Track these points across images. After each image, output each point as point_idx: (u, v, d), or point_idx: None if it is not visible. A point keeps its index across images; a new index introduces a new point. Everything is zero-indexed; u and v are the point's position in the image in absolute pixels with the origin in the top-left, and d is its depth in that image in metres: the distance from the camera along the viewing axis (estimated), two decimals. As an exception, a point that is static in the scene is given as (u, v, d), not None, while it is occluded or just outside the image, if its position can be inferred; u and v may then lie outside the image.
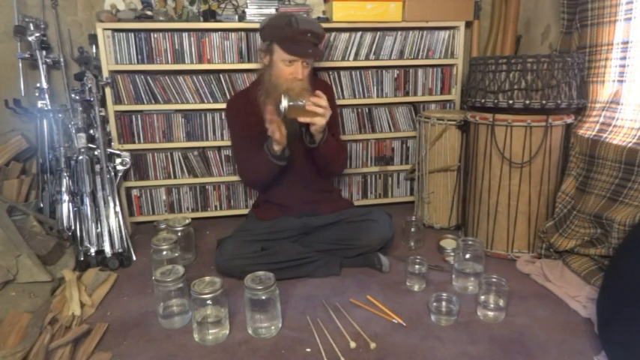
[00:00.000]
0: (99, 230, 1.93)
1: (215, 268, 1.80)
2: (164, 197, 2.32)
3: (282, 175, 1.85)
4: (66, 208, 1.98)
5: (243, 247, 1.75)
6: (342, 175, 2.47)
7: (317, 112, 1.59)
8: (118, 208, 1.98)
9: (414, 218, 2.07)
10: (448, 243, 2.00)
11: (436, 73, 2.43)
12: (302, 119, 1.60)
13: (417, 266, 1.68)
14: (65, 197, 1.98)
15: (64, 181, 2.00)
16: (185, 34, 2.13)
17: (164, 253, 1.70)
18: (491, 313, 1.49)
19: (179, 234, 1.87)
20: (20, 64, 2.18)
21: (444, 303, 1.50)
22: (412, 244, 2.06)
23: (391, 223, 1.87)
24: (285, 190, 1.90)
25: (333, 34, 2.25)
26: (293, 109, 1.56)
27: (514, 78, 1.77)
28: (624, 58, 1.74)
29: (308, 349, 1.35)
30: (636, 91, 1.71)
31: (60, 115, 2.08)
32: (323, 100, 1.59)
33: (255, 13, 2.17)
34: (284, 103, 1.53)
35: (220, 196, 2.38)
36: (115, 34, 2.07)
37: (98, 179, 1.97)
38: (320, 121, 1.61)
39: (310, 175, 1.91)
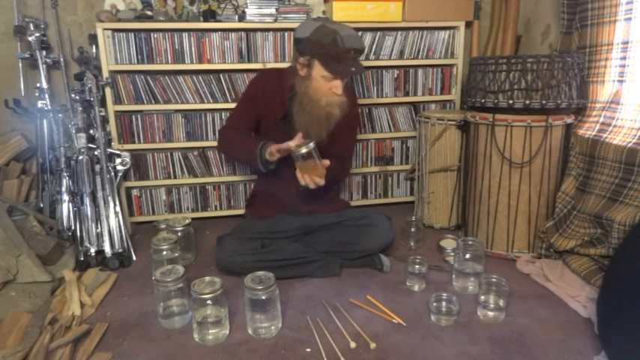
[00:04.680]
0: (99, 230, 1.93)
1: (215, 265, 1.80)
2: (164, 197, 2.32)
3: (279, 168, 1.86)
4: (66, 208, 1.98)
5: (244, 244, 1.75)
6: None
7: (312, 182, 1.64)
8: (118, 208, 1.98)
9: (414, 218, 2.07)
10: (448, 243, 2.00)
11: (436, 73, 2.43)
12: (301, 171, 1.63)
13: (417, 266, 1.68)
14: (65, 197, 1.98)
15: (64, 181, 2.00)
16: (185, 34, 2.13)
17: (164, 253, 1.70)
18: (491, 313, 1.49)
19: (179, 234, 1.87)
20: (20, 64, 2.18)
21: (444, 303, 1.50)
22: (412, 244, 2.06)
23: (391, 227, 1.87)
24: (280, 182, 1.89)
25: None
26: (306, 162, 1.60)
27: (514, 78, 1.77)
28: (624, 58, 1.74)
29: (308, 349, 1.35)
30: (636, 91, 1.70)
31: (60, 115, 2.08)
32: (321, 181, 1.65)
33: (255, 13, 2.17)
34: (303, 150, 1.57)
35: (220, 196, 2.38)
36: (115, 34, 2.07)
37: (98, 179, 1.97)
38: (311, 185, 1.65)
39: None
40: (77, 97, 1.97)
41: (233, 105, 2.22)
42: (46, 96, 2.11)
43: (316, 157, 1.60)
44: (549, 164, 1.85)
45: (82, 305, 1.55)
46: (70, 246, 1.92)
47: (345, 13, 2.22)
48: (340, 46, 1.60)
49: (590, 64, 1.89)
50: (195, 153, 2.29)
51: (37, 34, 2.07)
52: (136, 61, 2.12)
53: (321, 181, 1.65)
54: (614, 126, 1.76)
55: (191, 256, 1.96)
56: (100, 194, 1.96)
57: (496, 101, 1.81)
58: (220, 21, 2.16)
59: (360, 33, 2.26)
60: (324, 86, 1.68)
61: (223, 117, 2.25)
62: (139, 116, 2.20)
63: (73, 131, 1.97)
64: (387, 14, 2.26)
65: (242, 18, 2.19)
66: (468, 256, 1.70)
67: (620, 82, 1.76)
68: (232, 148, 1.88)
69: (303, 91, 1.72)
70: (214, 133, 2.28)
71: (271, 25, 2.18)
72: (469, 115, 1.95)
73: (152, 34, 2.11)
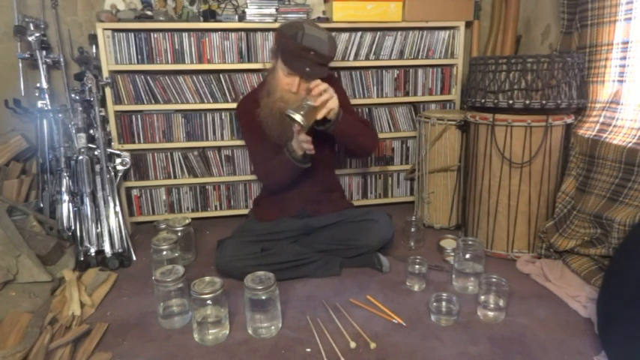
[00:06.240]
0: (99, 230, 1.93)
1: (215, 269, 1.80)
2: (164, 197, 2.32)
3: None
4: (66, 208, 1.98)
5: (243, 248, 1.75)
6: (343, 174, 2.47)
7: (324, 98, 1.57)
8: (118, 208, 1.98)
9: (414, 218, 2.07)
10: (448, 243, 2.00)
11: (436, 73, 2.43)
12: (320, 116, 1.59)
13: (417, 266, 1.68)
14: (65, 197, 1.98)
15: (64, 181, 2.00)
16: (185, 34, 2.14)
17: (164, 253, 1.70)
18: (491, 313, 1.49)
19: (179, 234, 1.87)
20: (20, 64, 2.18)
21: (444, 303, 1.50)
22: (412, 244, 2.06)
23: (391, 224, 1.87)
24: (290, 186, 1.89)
25: (333, 34, 2.24)
26: (308, 115, 1.54)
27: (514, 78, 1.77)
28: (624, 58, 1.74)
29: (308, 349, 1.35)
30: (636, 91, 1.70)
31: (60, 115, 2.08)
32: (321, 85, 1.58)
33: (255, 13, 2.18)
34: (298, 118, 1.49)
35: (220, 196, 2.38)
36: (115, 34, 2.07)
37: (98, 179, 1.97)
38: (333, 105, 1.60)
39: (315, 172, 1.88)
40: (77, 97, 1.97)
41: (233, 105, 2.23)
42: (46, 96, 2.11)
43: (307, 103, 1.54)
44: (549, 164, 1.85)
45: (82, 305, 1.55)
46: (70, 246, 1.92)
47: (345, 13, 2.22)
48: (297, 42, 1.61)
49: (590, 64, 1.89)
50: (195, 153, 2.29)
51: (37, 34, 2.07)
52: (136, 61, 2.13)
53: (334, 103, 1.59)
54: (614, 126, 1.76)
55: (191, 256, 1.96)
56: (100, 194, 1.96)
57: (496, 101, 1.81)
58: (220, 21, 2.16)
59: (360, 33, 2.28)
60: (283, 80, 1.69)
61: (223, 117, 2.26)
62: (139, 116, 2.20)
63: (73, 131, 1.97)
64: (387, 14, 2.26)
65: (242, 18, 2.19)
66: (468, 256, 1.70)
67: (620, 82, 1.76)
68: (274, 174, 1.85)
69: (269, 81, 1.75)
70: (214, 133, 2.28)
71: (271, 25, 2.18)
72: (469, 115, 1.95)
73: (152, 34, 2.11)
